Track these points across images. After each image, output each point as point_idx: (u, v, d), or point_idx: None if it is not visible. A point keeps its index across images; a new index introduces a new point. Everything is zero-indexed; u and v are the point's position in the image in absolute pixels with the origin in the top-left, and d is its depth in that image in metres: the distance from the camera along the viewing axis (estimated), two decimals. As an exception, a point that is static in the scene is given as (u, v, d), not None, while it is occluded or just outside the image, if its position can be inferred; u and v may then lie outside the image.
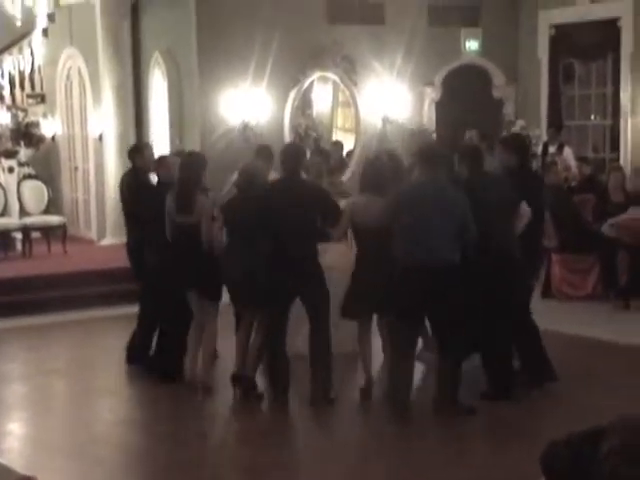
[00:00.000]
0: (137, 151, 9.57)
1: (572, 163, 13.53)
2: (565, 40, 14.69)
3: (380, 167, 8.09)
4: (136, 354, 9.06)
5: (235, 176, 8.55)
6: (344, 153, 14.34)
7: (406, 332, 7.58)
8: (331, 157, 12.78)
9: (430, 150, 7.87)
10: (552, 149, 13.73)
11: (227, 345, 8.78)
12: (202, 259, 8.13)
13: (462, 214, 7.40)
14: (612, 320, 10.81)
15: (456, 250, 7.36)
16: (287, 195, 7.80)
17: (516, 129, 14.00)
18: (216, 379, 8.57)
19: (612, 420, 2.97)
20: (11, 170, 14.59)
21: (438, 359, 7.69)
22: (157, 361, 8.69)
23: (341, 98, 14.96)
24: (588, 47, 14.42)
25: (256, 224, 7.80)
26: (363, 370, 8.11)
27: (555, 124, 14.32)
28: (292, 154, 8.13)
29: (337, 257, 8.69)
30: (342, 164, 13.80)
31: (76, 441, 7.41)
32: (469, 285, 7.44)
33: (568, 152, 13.73)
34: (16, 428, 7.93)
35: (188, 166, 8.33)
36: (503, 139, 9.36)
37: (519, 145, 8.67)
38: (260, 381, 8.26)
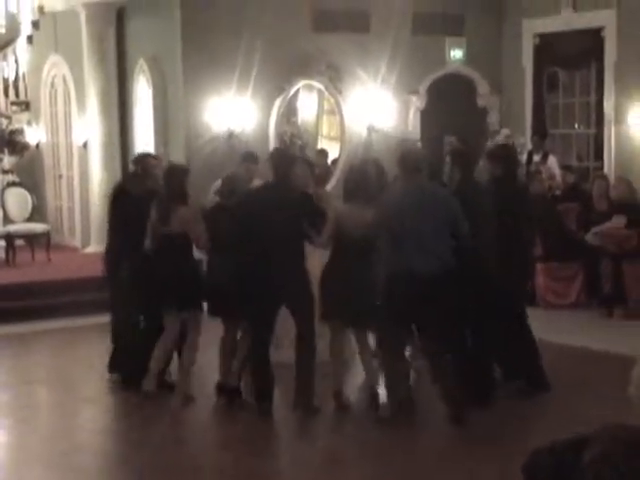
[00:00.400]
0: (136, 162, 9.44)
1: (556, 172, 13.55)
2: (549, 49, 14.74)
3: (364, 174, 8.06)
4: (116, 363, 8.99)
5: (217, 184, 8.57)
6: (329, 161, 14.34)
7: (396, 335, 7.56)
8: (316, 166, 12.77)
9: (412, 156, 7.86)
10: (536, 158, 13.75)
11: (211, 353, 8.73)
12: (183, 273, 8.14)
13: (454, 213, 7.41)
14: (596, 328, 10.84)
15: (448, 254, 7.36)
16: (273, 200, 7.77)
17: (500, 138, 14.02)
18: (199, 387, 8.53)
19: (596, 429, 2.97)
20: (-5, 177, 14.57)
21: (430, 365, 7.71)
22: (123, 365, 8.67)
23: (326, 106, 14.96)
24: (572, 56, 14.48)
25: (239, 231, 7.80)
26: (333, 375, 8.04)
27: (539, 132, 14.35)
28: (282, 159, 8.13)
29: (318, 264, 8.64)
30: (327, 173, 13.79)
31: (56, 450, 7.35)
32: (459, 289, 7.44)
33: (552, 161, 13.74)
34: (-5, 437, 7.90)
35: (170, 177, 8.32)
36: (489, 151, 9.33)
37: (505, 154, 8.66)
38: (244, 389, 8.24)
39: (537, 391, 8.21)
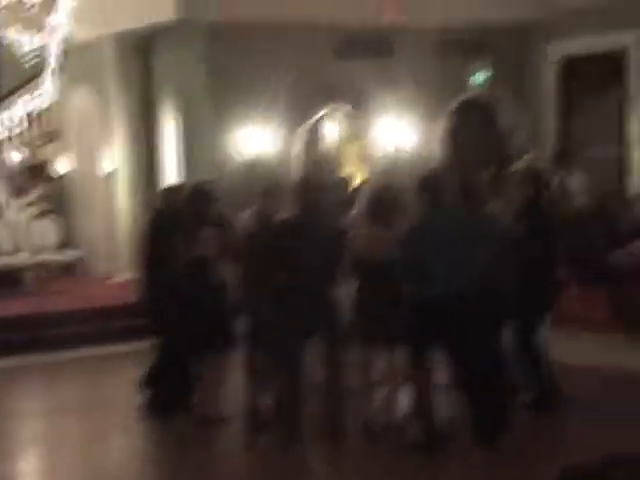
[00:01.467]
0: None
1: (581, 190, 13.52)
2: (573, 72, 14.77)
3: (387, 199, 8.08)
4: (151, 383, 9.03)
5: (245, 215, 8.55)
6: (350, 190, 14.31)
7: (422, 364, 7.57)
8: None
9: (434, 179, 7.85)
10: (558, 179, 13.70)
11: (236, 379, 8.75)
12: (207, 304, 8.13)
13: (479, 243, 7.46)
14: (622, 350, 10.79)
15: (468, 281, 7.36)
16: (310, 233, 7.69)
17: (524, 160, 14.02)
18: (228, 413, 8.56)
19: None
20: (24, 208, 14.72)
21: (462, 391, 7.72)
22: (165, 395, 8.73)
23: (351, 132, 15.02)
24: (596, 79, 14.49)
25: (270, 262, 7.87)
26: (362, 402, 8.02)
27: (563, 154, 14.33)
28: (312, 189, 8.05)
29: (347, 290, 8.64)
30: (347, 203, 13.74)
31: (87, 477, 7.41)
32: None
33: (576, 180, 13.70)
34: (28, 465, 7.99)
35: (192, 202, 8.34)
36: (519, 173, 9.37)
37: (535, 177, 8.72)
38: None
39: (546, 408, 8.23)
